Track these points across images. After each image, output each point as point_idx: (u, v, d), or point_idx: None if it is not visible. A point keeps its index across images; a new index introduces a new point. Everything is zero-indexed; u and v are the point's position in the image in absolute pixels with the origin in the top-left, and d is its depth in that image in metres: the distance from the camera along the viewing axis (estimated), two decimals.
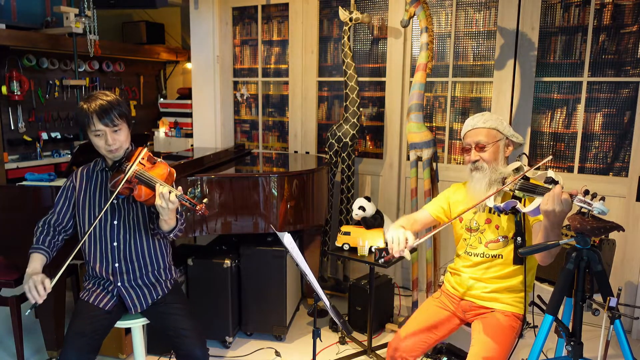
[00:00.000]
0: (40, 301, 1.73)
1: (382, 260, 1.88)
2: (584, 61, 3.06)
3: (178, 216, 1.93)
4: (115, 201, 1.96)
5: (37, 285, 1.73)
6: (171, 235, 1.95)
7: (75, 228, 2.04)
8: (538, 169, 1.81)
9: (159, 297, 2.04)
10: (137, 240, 2.00)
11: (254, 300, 2.94)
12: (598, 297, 1.58)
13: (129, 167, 1.88)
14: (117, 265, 1.98)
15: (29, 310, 1.77)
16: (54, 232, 1.99)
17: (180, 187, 1.84)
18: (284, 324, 2.95)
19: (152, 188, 1.84)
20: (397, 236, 1.85)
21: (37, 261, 1.87)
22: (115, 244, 1.97)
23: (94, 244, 1.98)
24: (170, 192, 1.78)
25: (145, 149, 1.96)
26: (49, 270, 1.89)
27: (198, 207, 1.82)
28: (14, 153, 4.36)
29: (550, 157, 1.89)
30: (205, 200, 1.85)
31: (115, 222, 1.97)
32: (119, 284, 1.99)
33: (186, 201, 1.81)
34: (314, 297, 1.92)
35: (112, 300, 1.97)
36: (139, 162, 1.90)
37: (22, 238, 2.44)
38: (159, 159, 1.99)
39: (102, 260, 1.98)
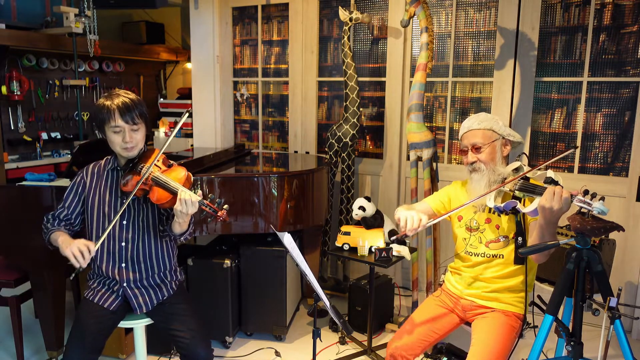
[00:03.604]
0: (84, 265, 1.74)
1: (394, 237, 1.88)
2: (584, 61, 3.06)
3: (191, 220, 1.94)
4: (125, 201, 1.96)
5: (82, 248, 1.74)
6: (181, 237, 1.95)
7: (81, 225, 2.04)
8: (549, 168, 1.81)
9: (164, 297, 2.04)
10: (146, 241, 2.00)
11: (254, 300, 2.94)
12: (598, 297, 1.58)
13: (145, 168, 1.87)
14: (123, 265, 1.98)
15: (72, 275, 1.78)
16: (64, 224, 1.99)
17: (200, 192, 1.83)
18: (284, 324, 2.95)
19: (169, 191, 1.83)
20: (412, 215, 1.84)
21: (64, 235, 1.88)
22: (123, 244, 1.97)
23: (102, 243, 1.98)
24: (191, 198, 1.77)
25: (160, 152, 1.94)
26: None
27: (219, 214, 1.79)
28: (14, 153, 4.36)
29: (552, 160, 1.89)
30: (225, 206, 1.82)
31: (125, 222, 1.97)
32: (125, 284, 1.98)
33: (207, 206, 1.80)
34: (314, 297, 1.92)
35: (117, 300, 1.97)
36: (155, 164, 1.90)
37: (22, 238, 2.44)
38: (174, 162, 1.99)
39: (109, 259, 1.98)
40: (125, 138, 1.89)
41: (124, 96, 1.90)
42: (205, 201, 1.81)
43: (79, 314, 1.93)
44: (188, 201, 1.77)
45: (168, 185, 1.84)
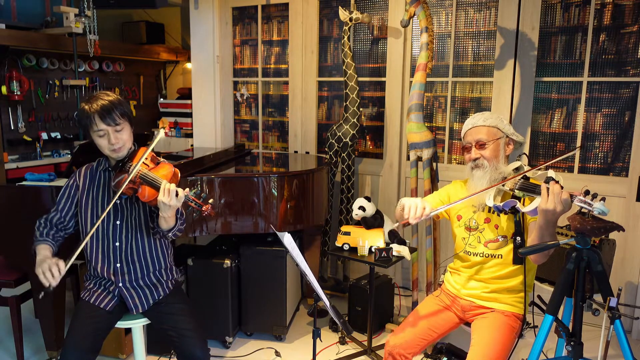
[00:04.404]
0: (54, 284, 1.73)
1: (397, 225, 1.85)
2: (584, 61, 3.06)
3: (178, 216, 1.94)
4: (118, 201, 1.97)
5: (52, 267, 1.74)
6: (170, 234, 1.94)
7: (76, 227, 2.04)
8: (545, 168, 1.81)
9: (161, 297, 2.04)
10: (139, 240, 2.00)
11: (254, 300, 2.94)
12: (598, 297, 1.58)
13: (132, 167, 1.88)
14: (118, 265, 1.98)
15: (42, 293, 1.76)
16: (56, 229, 2.00)
17: (187, 189, 1.84)
18: (284, 324, 2.95)
19: (157, 188, 1.84)
20: (416, 204, 1.81)
21: (45, 249, 1.89)
22: (117, 244, 1.98)
23: (96, 244, 1.98)
24: (176, 190, 1.78)
25: (148, 150, 1.95)
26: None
27: (204, 208, 1.82)
28: (14, 153, 4.36)
29: (562, 157, 1.89)
30: (211, 200, 1.84)
31: (118, 222, 1.98)
32: (120, 284, 1.99)
33: (192, 202, 1.82)
34: (314, 297, 1.92)
35: (113, 301, 1.97)
36: (143, 162, 1.90)
37: (22, 238, 2.44)
38: (162, 160, 2.00)
39: (103, 260, 1.99)
40: (110, 140, 1.89)
41: (102, 99, 1.89)
42: (190, 196, 1.82)
43: (75, 315, 1.93)
44: (172, 192, 1.77)
45: (156, 182, 1.84)
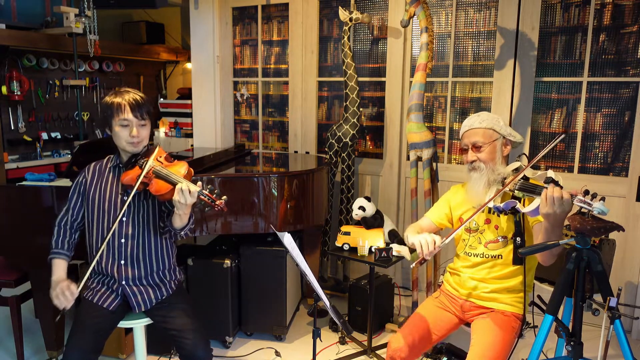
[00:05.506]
0: (68, 306, 1.83)
1: (413, 264, 1.90)
2: (584, 61, 3.06)
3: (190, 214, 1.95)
4: (125, 197, 1.97)
5: (65, 291, 1.83)
6: (182, 232, 1.95)
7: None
8: (536, 167, 1.81)
9: (164, 297, 2.04)
10: (145, 238, 2.00)
11: (254, 300, 2.94)
12: (598, 297, 1.58)
13: (146, 162, 1.91)
14: (123, 262, 1.98)
15: (58, 317, 1.91)
16: (70, 231, 2.04)
17: (199, 183, 1.85)
18: (284, 324, 2.95)
19: (170, 182, 1.85)
20: (425, 239, 1.86)
21: (60, 268, 1.97)
22: (122, 240, 1.97)
23: (102, 240, 1.98)
24: (189, 188, 1.80)
25: (158, 147, 2.00)
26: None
27: (217, 203, 1.82)
28: (14, 153, 4.36)
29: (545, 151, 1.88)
30: (224, 197, 1.85)
31: (124, 219, 1.98)
32: (124, 282, 1.98)
33: (205, 196, 1.82)
34: (314, 297, 1.93)
35: (116, 300, 1.97)
36: (157, 159, 1.93)
37: (22, 238, 2.44)
38: (176, 159, 2.02)
39: (108, 256, 1.98)
40: (132, 132, 1.94)
41: (135, 93, 1.99)
42: (204, 191, 1.83)
43: (78, 314, 1.94)
44: (185, 191, 1.79)
45: (169, 177, 1.86)
